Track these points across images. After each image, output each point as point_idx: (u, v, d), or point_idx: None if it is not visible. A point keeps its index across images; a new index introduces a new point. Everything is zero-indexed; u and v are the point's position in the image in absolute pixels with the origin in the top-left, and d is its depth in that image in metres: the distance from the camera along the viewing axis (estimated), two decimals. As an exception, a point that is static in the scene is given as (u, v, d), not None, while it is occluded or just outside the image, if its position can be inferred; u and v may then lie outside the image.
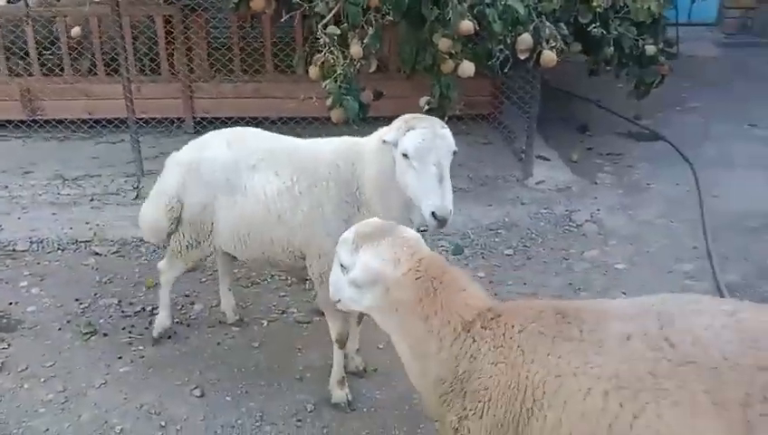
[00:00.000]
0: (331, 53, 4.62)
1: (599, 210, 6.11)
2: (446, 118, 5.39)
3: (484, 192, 6.38)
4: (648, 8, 6.08)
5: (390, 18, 4.81)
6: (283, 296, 4.86)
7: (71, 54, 7.51)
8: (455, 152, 3.00)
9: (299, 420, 3.60)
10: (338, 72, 4.88)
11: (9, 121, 7.70)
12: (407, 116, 3.09)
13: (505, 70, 5.44)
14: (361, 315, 3.87)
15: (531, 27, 5.32)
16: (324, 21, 4.66)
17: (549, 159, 7.13)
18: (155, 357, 4.16)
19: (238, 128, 4.00)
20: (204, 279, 5.08)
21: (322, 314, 4.56)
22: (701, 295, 2.23)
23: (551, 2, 5.65)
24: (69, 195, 6.36)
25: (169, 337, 4.37)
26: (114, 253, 5.49)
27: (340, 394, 3.68)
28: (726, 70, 11.53)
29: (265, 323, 4.52)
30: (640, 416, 1.96)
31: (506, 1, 5.29)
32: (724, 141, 7.89)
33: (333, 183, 3.36)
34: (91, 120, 7.52)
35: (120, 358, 4.14)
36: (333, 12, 4.63)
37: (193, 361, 4.12)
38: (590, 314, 2.18)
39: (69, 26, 7.32)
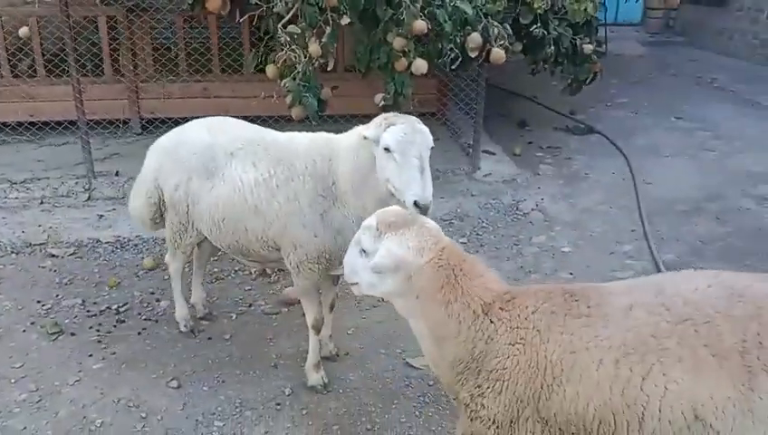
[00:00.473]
0: (293, 51, 4.74)
1: (543, 199, 6.48)
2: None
3: (437, 185, 6.46)
4: (585, 9, 6.46)
5: (348, 19, 4.97)
6: (249, 290, 4.97)
7: (15, 55, 7.33)
8: (431, 147, 3.17)
9: (278, 404, 3.73)
10: (297, 71, 5.01)
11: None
12: (386, 114, 3.26)
13: (454, 67, 5.70)
14: (333, 302, 4.05)
15: (479, 27, 5.60)
16: (284, 20, 4.78)
17: (494, 153, 7.47)
18: (127, 353, 4.19)
19: (220, 117, 4.09)
20: (167, 277, 5.06)
21: (289, 305, 4.74)
22: (688, 271, 2.41)
23: (494, 4, 5.96)
24: (17, 198, 6.25)
25: (138, 333, 4.41)
26: (71, 254, 5.44)
27: (316, 377, 3.84)
28: (651, 67, 12.27)
29: (234, 317, 4.62)
30: (648, 377, 2.09)
31: (455, 2, 5.57)
32: (653, 133, 8.46)
33: (310, 177, 3.49)
34: (33, 122, 7.35)
35: (90, 356, 4.16)
36: (292, 12, 4.76)
37: (166, 355, 4.18)
38: (593, 291, 2.36)
39: (15, 26, 7.13)
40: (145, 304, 4.75)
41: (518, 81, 9.82)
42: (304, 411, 3.68)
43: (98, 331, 4.42)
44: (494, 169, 7.03)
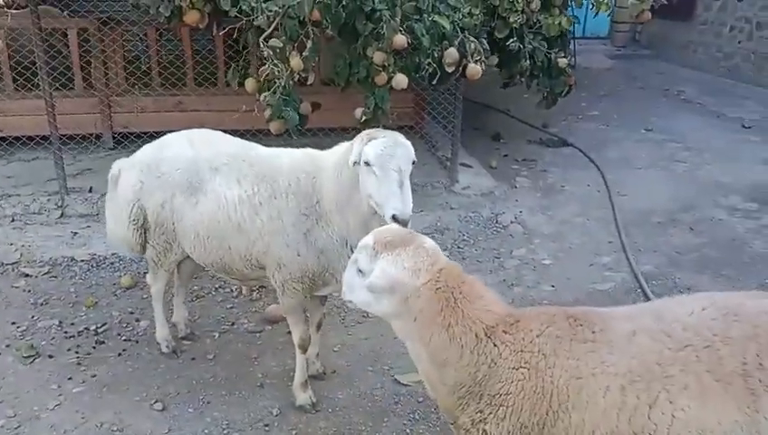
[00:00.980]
0: (275, 65, 4.71)
1: (521, 212, 6.54)
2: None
3: (416, 199, 6.44)
4: (559, 23, 6.58)
5: (329, 32, 4.97)
6: (231, 308, 4.89)
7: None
8: (414, 162, 3.16)
9: (266, 426, 3.67)
10: (278, 84, 4.98)
11: None
12: (368, 130, 3.25)
13: (434, 82, 5.74)
14: (321, 321, 4.01)
15: (456, 42, 5.66)
16: (265, 34, 4.75)
17: (471, 166, 7.52)
18: (108, 376, 4.09)
19: (202, 129, 4.01)
20: (146, 296, 5.00)
21: (273, 322, 4.69)
22: (680, 296, 2.43)
23: (471, 18, 6.03)
24: (-13, 216, 6.07)
25: (119, 355, 4.31)
26: (45, 274, 5.30)
27: (304, 397, 3.79)
28: (619, 80, 12.55)
29: (217, 336, 4.54)
30: (654, 405, 2.07)
31: (432, 17, 5.62)
32: (624, 145, 8.63)
33: (293, 195, 3.45)
34: (3, 137, 7.17)
35: (70, 379, 4.04)
36: (274, 25, 4.74)
37: (148, 376, 4.09)
38: (596, 316, 2.35)
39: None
40: (124, 325, 4.65)
41: (491, 94, 9.94)
42: (293, 432, 3.63)
43: (76, 353, 4.30)
44: (472, 182, 7.07)
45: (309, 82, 5.27)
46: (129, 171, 3.88)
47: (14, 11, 6.47)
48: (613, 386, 2.16)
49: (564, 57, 6.84)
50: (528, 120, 9.51)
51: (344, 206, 3.29)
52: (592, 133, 9.20)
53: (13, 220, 6.05)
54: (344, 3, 4.92)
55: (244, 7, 4.96)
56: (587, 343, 2.26)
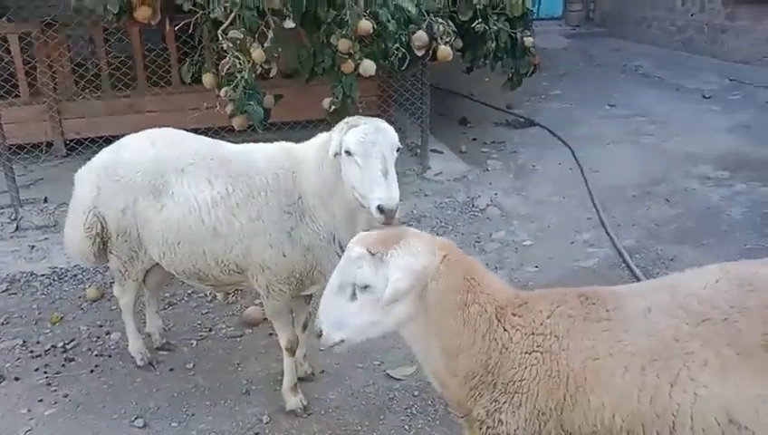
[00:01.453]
0: (237, 57, 4.48)
1: (496, 194, 6.44)
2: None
3: None
4: (523, 2, 6.47)
5: (291, 23, 4.74)
6: (207, 313, 4.66)
7: None
8: (399, 148, 2.97)
9: (257, 434, 3.47)
10: (239, 78, 4.75)
11: None
12: (348, 118, 3.06)
13: (403, 67, 5.57)
14: (306, 322, 3.82)
15: (424, 25, 5.50)
16: (223, 26, 4.51)
17: (442, 152, 7.39)
18: (81, 395, 3.82)
19: (163, 128, 3.74)
20: (114, 307, 4.73)
21: (253, 325, 4.48)
22: (692, 270, 2.31)
23: (434, 1, 5.88)
24: (-65, 235, 5.68)
25: (91, 371, 4.05)
26: (4, 291, 4.98)
27: (294, 401, 3.59)
28: (576, 59, 12.60)
29: (195, 343, 4.31)
30: (676, 383, 1.98)
31: (397, 1, 5.45)
32: (591, 122, 8.62)
33: (272, 193, 3.23)
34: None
35: (40, 401, 3.76)
36: (231, 17, 4.50)
37: (125, 392, 3.84)
38: (607, 294, 2.23)
39: None
40: (94, 339, 4.37)
41: (452, 79, 9.82)
42: (287, 438, 3.44)
43: (45, 373, 4.02)
44: (443, 168, 6.94)
45: (271, 75, 5.04)
46: (84, 177, 3.62)
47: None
48: (632, 366, 2.05)
49: (529, 36, 6.75)
50: (492, 102, 9.44)
51: (328, 199, 3.11)
52: (557, 112, 9.17)
53: (-37, 237, 5.68)
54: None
55: (198, 0, 4.71)
56: (601, 321, 2.15)
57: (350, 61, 5.19)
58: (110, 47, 7.81)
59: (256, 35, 4.73)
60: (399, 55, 5.47)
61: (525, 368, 2.16)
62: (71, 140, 7.21)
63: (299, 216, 3.21)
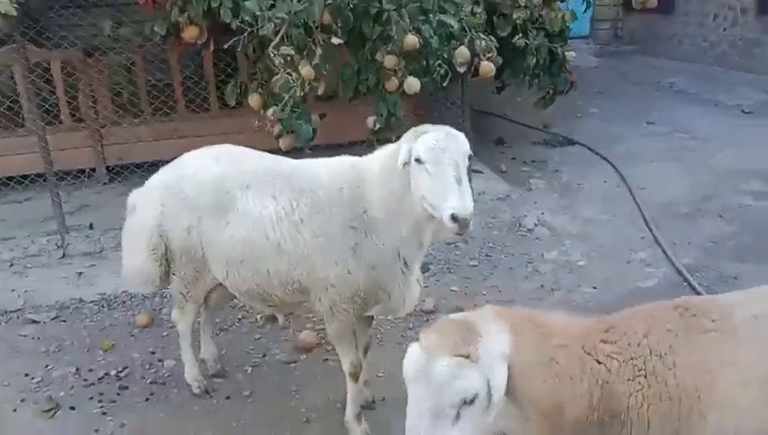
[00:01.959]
0: (289, 74, 4.44)
1: (543, 214, 6.31)
2: (394, 138, 5.39)
3: None
4: (563, 17, 6.42)
5: (339, 39, 4.71)
6: (259, 339, 4.57)
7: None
8: (470, 157, 2.90)
9: (322, 465, 3.36)
10: (288, 97, 4.72)
11: None
12: (416, 127, 2.99)
13: (445, 83, 5.52)
14: (368, 346, 3.72)
15: (465, 41, 5.45)
16: (273, 43, 4.48)
17: (482, 172, 7.28)
18: (137, 423, 3.74)
19: (223, 145, 3.70)
20: (166, 334, 4.68)
21: (307, 351, 4.38)
22: None
23: (474, 17, 5.84)
24: (-17, 263, 5.70)
25: (146, 399, 3.97)
26: (54, 319, 4.94)
27: (359, 430, 3.47)
28: (609, 77, 12.48)
29: (249, 370, 4.22)
30: None
31: (439, 17, 5.41)
32: (631, 140, 8.48)
33: (337, 208, 3.16)
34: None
35: (97, 431, 3.68)
36: (281, 33, 4.47)
37: (182, 420, 3.75)
38: (707, 303, 2.12)
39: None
40: (147, 366, 4.30)
41: (483, 99, 9.74)
42: (353, 469, 3.32)
43: (100, 401, 3.95)
44: (485, 188, 6.82)
45: (319, 92, 5.00)
46: (147, 196, 3.56)
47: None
48: (751, 379, 1.91)
49: (571, 51, 6.68)
50: (527, 122, 9.33)
51: (395, 213, 3.03)
52: (595, 130, 9.04)
53: (12, 265, 5.67)
54: (351, 5, 4.67)
55: (246, 17, 4.70)
56: (708, 332, 2.01)
57: (394, 78, 5.15)
58: (149, 73, 7.88)
59: (304, 53, 4.71)
60: (442, 72, 5.42)
61: (630, 396, 1.99)
62: (112, 166, 7.27)
63: (364, 231, 3.13)
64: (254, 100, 5.24)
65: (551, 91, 7.31)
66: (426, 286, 4.09)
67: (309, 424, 3.68)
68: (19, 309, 5.04)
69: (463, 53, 5.40)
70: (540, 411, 2.00)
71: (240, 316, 4.83)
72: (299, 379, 4.09)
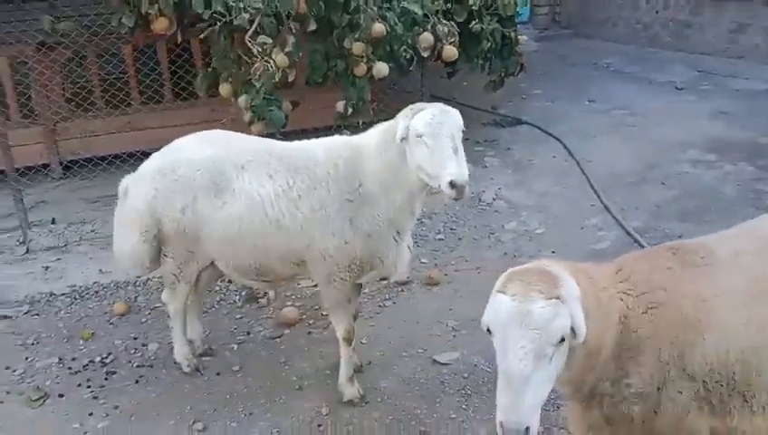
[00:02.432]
0: (267, 62, 4.55)
1: (500, 189, 6.61)
2: (361, 124, 5.58)
3: None
4: (514, 2, 6.72)
5: (314, 25, 4.84)
6: (241, 319, 4.69)
7: None
8: (463, 130, 3.11)
9: (319, 426, 3.53)
10: (260, 85, 4.82)
11: None
12: (410, 105, 3.19)
13: (411, 68, 5.73)
14: (357, 312, 3.90)
15: (429, 26, 5.67)
16: (249, 32, 4.58)
17: (438, 152, 7.53)
18: (131, 404, 3.82)
19: (213, 130, 3.80)
20: (144, 320, 4.75)
21: (290, 325, 4.53)
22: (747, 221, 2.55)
23: (433, 3, 6.07)
24: (-56, 263, 5.57)
25: (136, 382, 4.04)
26: (26, 313, 4.91)
27: (351, 391, 3.66)
28: (548, 59, 12.91)
29: (235, 347, 4.34)
30: None
31: (402, 4, 5.61)
32: (574, 117, 8.89)
33: (333, 182, 3.33)
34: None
35: (91, 414, 3.74)
36: (257, 23, 4.57)
37: (176, 398, 3.84)
38: (694, 245, 2.40)
39: None
40: (131, 351, 4.36)
41: (432, 85, 10.00)
42: (350, 427, 3.51)
43: (89, 387, 4.00)
44: (443, 167, 7.08)
45: (290, 79, 5.13)
46: (139, 183, 3.63)
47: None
48: (736, 303, 2.21)
49: (522, 35, 6.99)
50: (476, 105, 9.63)
51: (390, 185, 3.24)
52: (540, 110, 9.42)
53: (-27, 263, 5.58)
54: (325, -5, 4.82)
55: (219, 8, 4.77)
56: (699, 267, 2.30)
57: (362, 64, 5.33)
58: (102, 67, 7.77)
59: (277, 41, 4.82)
60: (408, 57, 5.62)
61: (645, 326, 2.22)
62: (67, 162, 7.17)
63: (359, 203, 3.32)
64: (224, 89, 5.32)
65: (502, 74, 7.62)
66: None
67: (302, 391, 3.84)
68: (-12, 305, 4.99)
69: (427, 38, 5.62)
70: (587, 350, 2.12)
71: (218, 299, 4.93)
72: (286, 351, 4.24)
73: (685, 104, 9.04)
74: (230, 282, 5.04)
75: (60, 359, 4.30)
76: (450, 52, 5.70)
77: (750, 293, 2.22)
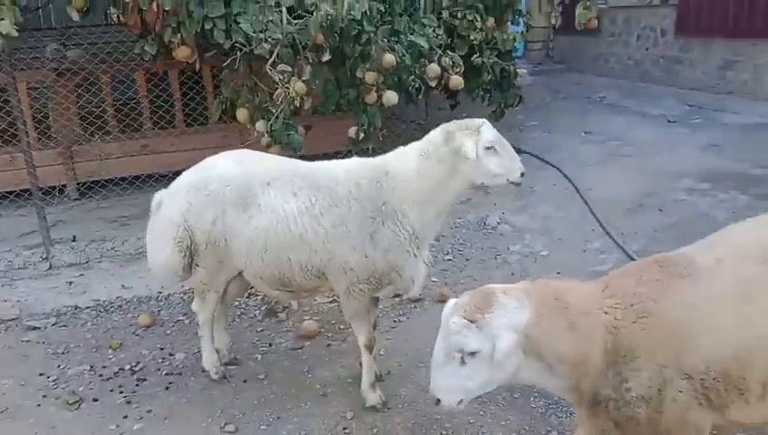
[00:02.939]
0: (287, 89, 4.85)
1: (504, 213, 6.90)
2: (371, 149, 5.89)
3: None
4: (513, 39, 7.11)
5: (328, 56, 5.17)
6: (262, 331, 4.90)
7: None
8: None
9: (345, 429, 3.73)
10: (279, 111, 5.12)
11: None
12: (454, 123, 3.51)
13: (420, 96, 6.06)
14: (375, 322, 4.13)
15: (435, 58, 6.02)
16: (270, 61, 4.89)
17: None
18: (163, 409, 4.01)
19: (243, 150, 4.09)
20: (169, 332, 4.95)
21: (310, 338, 4.74)
22: (729, 226, 2.80)
23: (436, 38, 6.44)
24: (-30, 277, 5.76)
25: (167, 388, 4.23)
26: (54, 324, 5.10)
27: (374, 397, 3.87)
28: (543, 93, 13.38)
29: (259, 357, 4.54)
30: (765, 309, 2.41)
31: (409, 38, 5.97)
32: (571, 147, 9.25)
33: (355, 201, 3.59)
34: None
35: (125, 417, 3.93)
36: (276, 52, 4.89)
37: (207, 403, 4.04)
38: (676, 257, 2.63)
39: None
40: (159, 360, 4.56)
41: (433, 117, 10.36)
42: (375, 430, 3.71)
43: (121, 392, 4.19)
44: (449, 193, 7.37)
45: (306, 106, 5.43)
46: (173, 196, 3.89)
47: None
48: (725, 306, 2.44)
49: (521, 68, 7.37)
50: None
51: (427, 201, 3.53)
52: (538, 141, 9.77)
53: (-1, 278, 5.78)
54: (340, 27, 5.14)
55: (239, 39, 5.09)
56: (685, 277, 2.52)
57: (373, 92, 5.65)
58: (115, 90, 8.06)
59: (295, 70, 5.14)
60: (416, 86, 5.96)
61: (637, 334, 2.46)
62: (83, 183, 7.41)
63: (381, 220, 3.57)
64: (241, 114, 5.61)
65: (502, 105, 7.99)
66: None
67: (326, 397, 4.05)
68: (16, 318, 5.17)
69: (434, 69, 5.97)
70: (568, 363, 2.47)
71: (239, 313, 5.14)
72: (308, 362, 4.45)
73: (677, 136, 9.44)
74: (249, 296, 5.27)
75: (91, 367, 4.49)
76: (456, 81, 6.05)
77: (736, 294, 2.44)
